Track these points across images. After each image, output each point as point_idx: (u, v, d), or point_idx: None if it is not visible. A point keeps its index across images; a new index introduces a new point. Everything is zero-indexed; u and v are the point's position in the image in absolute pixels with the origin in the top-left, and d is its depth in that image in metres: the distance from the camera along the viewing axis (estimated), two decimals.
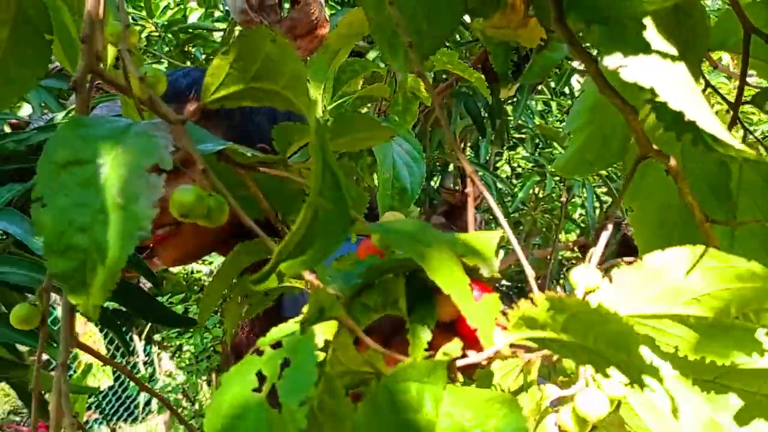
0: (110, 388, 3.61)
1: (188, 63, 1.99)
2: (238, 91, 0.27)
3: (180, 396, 3.94)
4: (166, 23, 1.82)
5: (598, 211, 2.18)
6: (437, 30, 0.39)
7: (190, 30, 1.80)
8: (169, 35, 1.84)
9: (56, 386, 0.23)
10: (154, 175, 0.23)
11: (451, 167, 2.34)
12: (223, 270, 0.37)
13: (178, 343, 4.23)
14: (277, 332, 0.24)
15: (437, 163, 2.24)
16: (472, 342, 0.26)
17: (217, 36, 2.12)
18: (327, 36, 1.58)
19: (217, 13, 2.20)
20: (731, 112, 0.41)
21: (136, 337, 4.55)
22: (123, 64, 0.28)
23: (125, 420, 4.23)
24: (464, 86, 1.73)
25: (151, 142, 0.24)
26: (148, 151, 0.24)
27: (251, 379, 0.22)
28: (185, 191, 0.25)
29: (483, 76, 0.90)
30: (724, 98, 0.43)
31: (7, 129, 1.32)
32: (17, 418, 3.10)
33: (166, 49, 1.78)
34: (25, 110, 1.58)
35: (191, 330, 3.88)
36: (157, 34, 1.84)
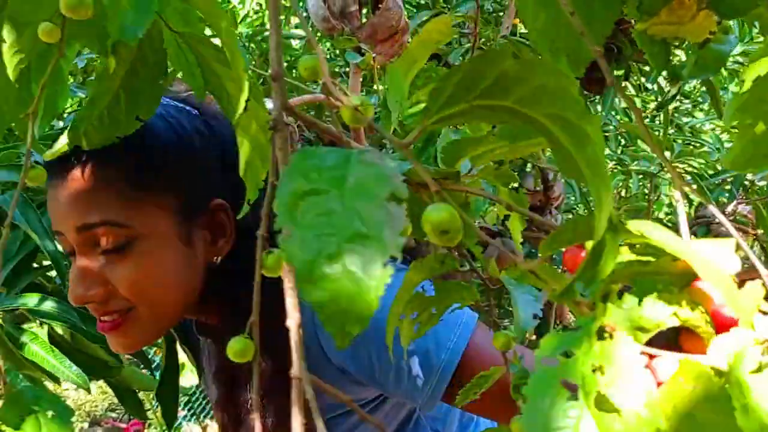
0: (197, 386, 3.73)
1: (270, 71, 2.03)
2: (461, 110, 0.27)
3: None
4: (249, 32, 1.87)
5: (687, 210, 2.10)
6: (595, 33, 0.39)
7: None
8: (252, 45, 1.89)
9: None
10: (393, 204, 0.24)
11: (529, 167, 2.32)
12: (400, 294, 0.38)
13: None
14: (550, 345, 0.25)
15: (516, 164, 2.21)
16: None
17: (296, 44, 2.16)
18: (407, 41, 1.58)
19: (294, 20, 2.25)
20: None
21: None
22: (328, 95, 0.29)
23: (212, 418, 4.37)
24: None
25: (382, 171, 0.25)
26: (381, 181, 0.24)
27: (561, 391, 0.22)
28: (439, 210, 0.25)
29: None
30: None
31: None
32: (114, 414, 3.26)
33: (251, 58, 1.83)
34: None
35: None
36: (240, 44, 1.89)
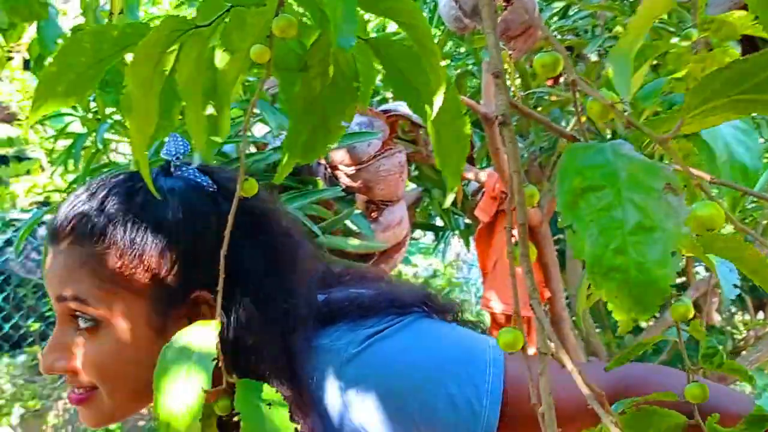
0: None
1: None
2: (721, 104, 0.27)
3: None
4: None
5: None
6: None
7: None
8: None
9: None
10: (671, 195, 0.24)
11: None
12: None
13: None
14: None
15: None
16: None
17: None
18: (540, 36, 1.56)
19: None
20: None
21: None
22: (573, 93, 0.30)
23: None
24: None
25: (649, 164, 0.26)
26: (652, 173, 0.25)
27: None
28: (706, 207, 0.26)
29: None
30: None
31: (253, 149, 1.47)
32: None
33: None
34: (257, 130, 1.74)
35: None
36: None
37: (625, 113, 0.43)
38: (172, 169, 0.67)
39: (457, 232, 2.10)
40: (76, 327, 0.63)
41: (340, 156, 1.08)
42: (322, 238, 0.99)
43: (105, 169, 1.04)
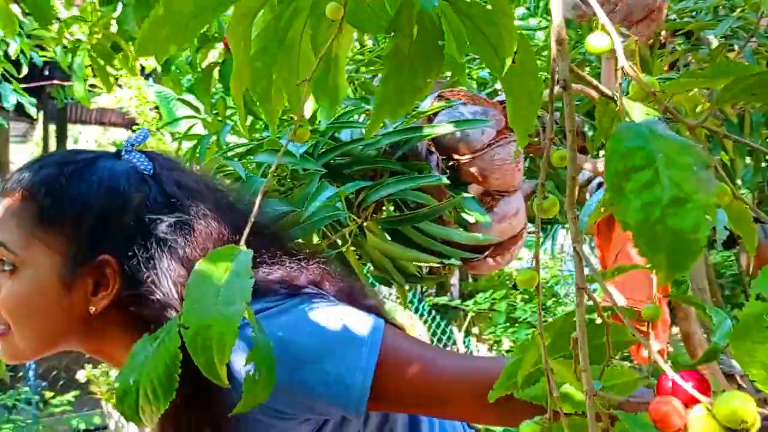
0: None
1: None
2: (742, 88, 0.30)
3: None
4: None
5: None
6: None
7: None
8: None
9: None
10: (702, 169, 0.28)
11: None
12: None
13: (495, 337, 4.37)
14: None
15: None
16: None
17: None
18: (662, 20, 1.52)
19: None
20: None
21: (455, 329, 4.87)
22: (636, 68, 0.34)
23: None
24: None
25: (682, 142, 0.30)
26: (685, 151, 0.29)
27: None
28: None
29: None
30: None
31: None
32: None
33: None
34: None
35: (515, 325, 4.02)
36: None
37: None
38: (123, 153, 0.79)
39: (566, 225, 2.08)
40: (2, 269, 0.74)
41: (453, 144, 1.10)
42: (429, 227, 1.02)
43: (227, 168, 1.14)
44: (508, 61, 0.50)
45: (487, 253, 1.14)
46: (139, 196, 0.75)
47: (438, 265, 1.08)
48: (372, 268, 1.09)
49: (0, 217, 0.75)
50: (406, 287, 1.17)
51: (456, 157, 1.10)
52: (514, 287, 4.63)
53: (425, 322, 4.75)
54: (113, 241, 0.73)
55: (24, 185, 0.75)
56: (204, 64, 1.64)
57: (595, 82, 0.38)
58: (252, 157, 1.08)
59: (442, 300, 4.45)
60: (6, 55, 2.40)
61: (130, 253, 0.72)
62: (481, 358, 1.10)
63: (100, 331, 0.75)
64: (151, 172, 0.77)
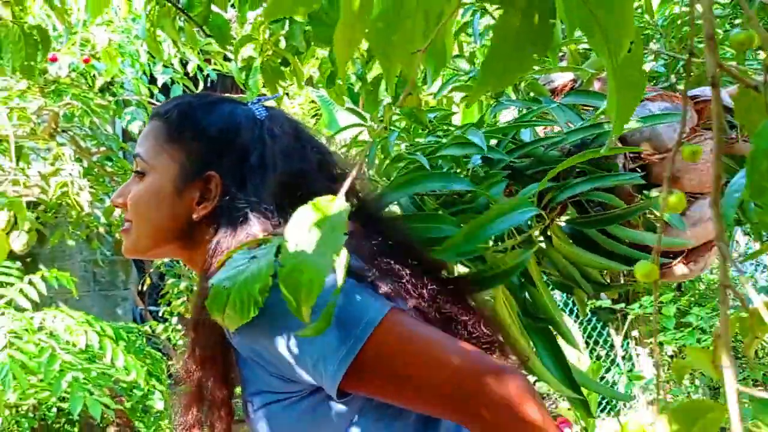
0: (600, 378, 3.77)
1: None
2: None
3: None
4: (665, 19, 1.81)
5: None
6: None
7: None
8: (673, 31, 1.79)
9: None
10: None
11: None
12: None
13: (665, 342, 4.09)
14: None
15: None
16: None
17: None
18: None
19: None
20: None
21: (613, 332, 4.64)
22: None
23: (608, 412, 4.36)
24: None
25: None
26: None
27: None
28: None
29: None
30: None
31: (541, 134, 1.47)
32: None
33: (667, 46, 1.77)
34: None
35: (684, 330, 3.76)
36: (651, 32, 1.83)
37: None
38: (249, 103, 0.95)
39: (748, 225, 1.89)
40: (135, 174, 0.92)
41: (642, 144, 1.05)
42: (617, 230, 0.98)
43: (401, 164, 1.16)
44: (623, 52, 0.49)
45: (679, 259, 1.07)
46: (248, 132, 0.91)
47: (627, 270, 1.02)
48: (556, 274, 1.05)
49: (146, 133, 0.93)
50: (584, 297, 1.12)
51: (646, 158, 1.04)
52: (678, 288, 4.33)
53: (581, 324, 4.57)
54: (221, 162, 0.89)
55: (163, 110, 0.94)
56: (370, 77, 1.68)
57: (743, 78, 0.34)
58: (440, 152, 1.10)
59: (605, 303, 4.26)
60: (185, 72, 2.61)
61: (232, 174, 0.87)
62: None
63: (197, 238, 0.89)
64: (263, 117, 0.93)
